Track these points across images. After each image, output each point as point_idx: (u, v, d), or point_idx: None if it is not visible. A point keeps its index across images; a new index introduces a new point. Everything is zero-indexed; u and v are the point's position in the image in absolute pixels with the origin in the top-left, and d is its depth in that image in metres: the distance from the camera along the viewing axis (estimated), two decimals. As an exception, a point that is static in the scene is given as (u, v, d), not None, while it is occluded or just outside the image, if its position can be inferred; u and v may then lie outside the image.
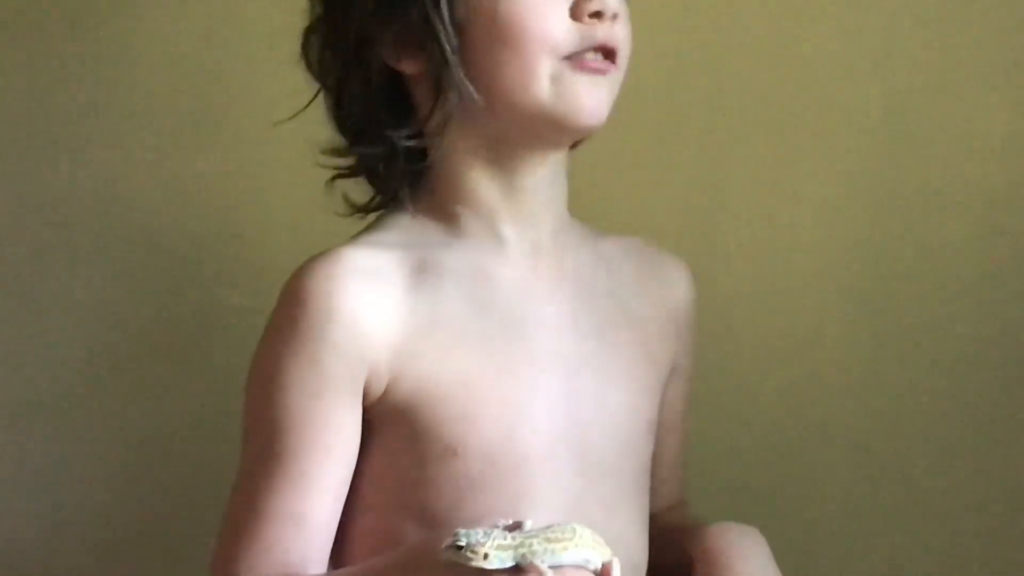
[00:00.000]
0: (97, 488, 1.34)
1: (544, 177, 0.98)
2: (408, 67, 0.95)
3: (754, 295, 1.37)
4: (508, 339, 0.96)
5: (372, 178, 1.00)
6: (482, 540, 0.81)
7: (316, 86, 1.00)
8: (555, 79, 0.93)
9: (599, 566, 0.85)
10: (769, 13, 1.34)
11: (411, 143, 0.97)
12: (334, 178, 1.00)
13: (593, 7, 0.92)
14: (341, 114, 0.99)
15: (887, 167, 1.36)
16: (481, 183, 0.97)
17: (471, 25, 0.93)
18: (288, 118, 1.01)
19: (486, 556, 0.81)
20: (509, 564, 0.82)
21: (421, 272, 0.95)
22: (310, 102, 1.01)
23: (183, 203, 1.33)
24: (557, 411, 0.96)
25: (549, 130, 0.95)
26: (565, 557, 0.83)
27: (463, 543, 0.81)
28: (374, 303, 0.92)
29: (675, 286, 1.07)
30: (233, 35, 1.32)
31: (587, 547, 0.85)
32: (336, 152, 0.99)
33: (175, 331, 1.34)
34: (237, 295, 1.30)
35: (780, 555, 1.31)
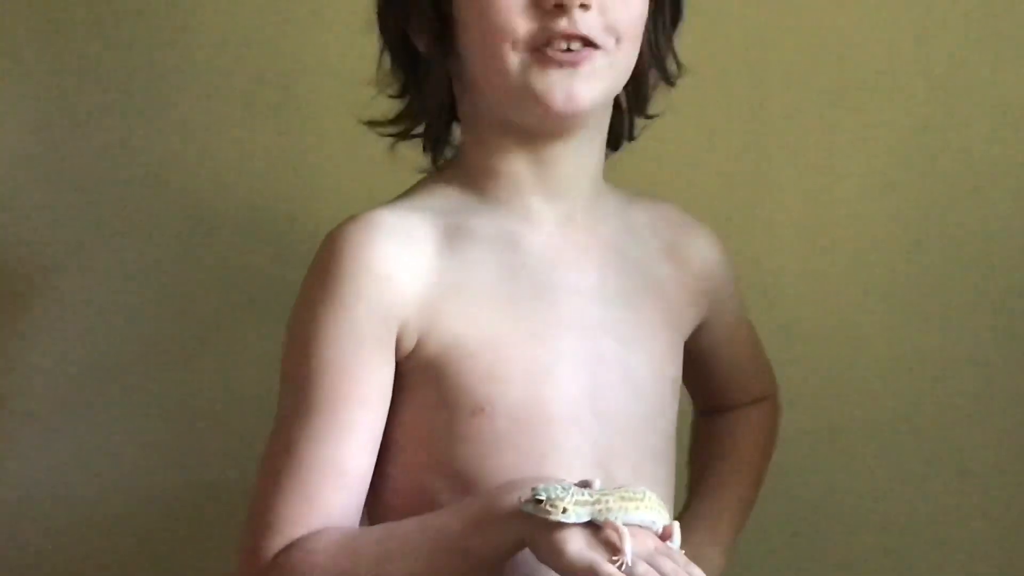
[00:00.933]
0: (153, 453, 1.37)
1: (568, 150, 0.99)
2: (419, 44, 0.99)
3: (797, 270, 1.38)
4: (535, 303, 0.98)
5: (423, 140, 1.04)
6: (561, 495, 0.84)
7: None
8: (522, 73, 0.94)
9: (660, 529, 0.88)
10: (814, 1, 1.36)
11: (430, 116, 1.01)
12: (395, 140, 1.03)
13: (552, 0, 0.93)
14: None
15: (930, 143, 1.36)
16: (506, 156, 0.99)
17: (459, 15, 0.96)
18: (383, 128, 1.04)
19: (565, 510, 0.84)
20: (585, 519, 0.85)
21: (452, 236, 0.98)
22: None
23: (238, 182, 1.36)
24: (582, 374, 0.98)
25: (528, 117, 0.97)
26: (635, 517, 0.86)
27: (543, 497, 0.84)
28: (405, 261, 0.95)
29: (702, 251, 1.09)
30: (292, 13, 1.34)
31: (654, 510, 0.88)
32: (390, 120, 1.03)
33: (230, 306, 1.36)
34: (291, 272, 1.30)
35: (819, 535, 1.36)
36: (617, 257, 1.03)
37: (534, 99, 0.94)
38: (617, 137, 1.05)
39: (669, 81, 1.04)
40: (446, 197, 1.00)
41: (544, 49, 0.93)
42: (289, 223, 1.34)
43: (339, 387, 0.94)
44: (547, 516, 0.84)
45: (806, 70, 1.36)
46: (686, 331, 1.08)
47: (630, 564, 0.84)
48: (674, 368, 1.05)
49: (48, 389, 1.36)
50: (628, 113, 1.05)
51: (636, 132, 1.06)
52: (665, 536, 0.89)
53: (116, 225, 1.35)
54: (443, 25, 0.97)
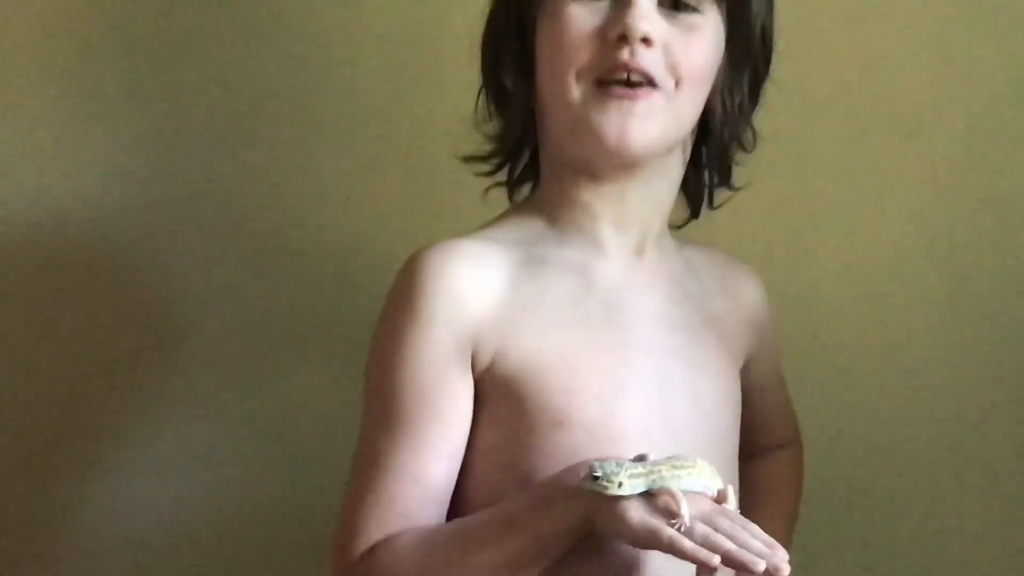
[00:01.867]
0: (227, 473, 1.40)
1: (635, 185, 1.03)
2: (507, 81, 1.04)
3: (843, 302, 1.40)
4: (607, 325, 1.03)
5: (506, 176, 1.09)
6: (616, 470, 0.88)
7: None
8: (584, 101, 0.98)
9: (715, 493, 0.93)
10: (857, 28, 1.38)
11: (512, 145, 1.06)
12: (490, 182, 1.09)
13: (617, 31, 0.96)
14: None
15: (971, 177, 1.39)
16: (578, 188, 1.03)
17: (539, 51, 1.01)
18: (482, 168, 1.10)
19: (621, 484, 0.88)
20: (641, 490, 0.89)
21: (526, 263, 1.02)
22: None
23: (313, 211, 1.39)
24: (652, 393, 1.02)
25: (584, 151, 1.01)
26: (688, 483, 0.91)
27: (599, 474, 0.88)
28: (480, 283, 1.00)
29: (749, 290, 1.14)
30: (356, 43, 1.38)
31: (706, 475, 0.92)
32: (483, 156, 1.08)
33: (303, 327, 1.40)
34: (362, 296, 1.35)
35: (866, 548, 1.37)
36: (680, 290, 1.08)
37: (590, 132, 0.98)
38: (697, 203, 1.10)
39: (744, 148, 1.08)
40: (522, 228, 1.05)
41: (606, 82, 0.97)
42: (357, 254, 1.39)
43: (419, 401, 0.98)
44: (605, 491, 0.88)
45: (850, 107, 1.39)
46: (739, 362, 1.12)
47: (688, 525, 0.88)
48: (735, 392, 1.09)
49: (143, 404, 1.40)
50: (709, 182, 1.09)
51: (717, 202, 1.10)
52: (720, 500, 0.93)
53: (200, 251, 1.39)
54: (526, 61, 1.02)
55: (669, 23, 0.98)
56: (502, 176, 1.09)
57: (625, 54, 0.97)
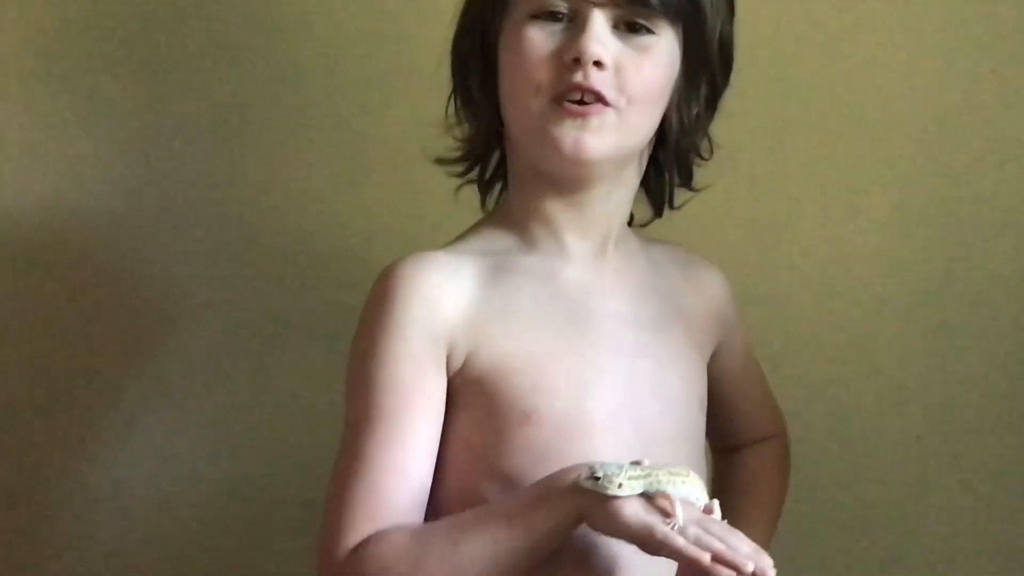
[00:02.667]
0: (214, 461, 1.42)
1: (596, 195, 1.08)
2: (473, 89, 1.09)
3: (817, 302, 1.43)
4: (574, 326, 1.07)
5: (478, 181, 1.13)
6: (616, 471, 0.92)
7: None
8: (541, 116, 1.03)
9: (702, 506, 0.96)
10: (831, 35, 1.41)
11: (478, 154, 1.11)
12: (460, 180, 1.13)
13: (571, 55, 1.01)
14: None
15: (942, 178, 1.42)
16: (542, 200, 1.08)
17: (501, 67, 1.06)
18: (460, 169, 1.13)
19: (620, 485, 0.91)
20: (638, 491, 0.92)
21: (495, 271, 1.07)
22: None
23: (302, 217, 1.42)
24: (619, 389, 1.06)
25: (545, 161, 1.05)
26: (681, 490, 0.94)
27: (600, 474, 0.91)
28: (451, 291, 1.04)
29: (712, 283, 1.18)
30: (349, 51, 1.40)
31: (697, 487, 0.96)
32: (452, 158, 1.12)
33: (293, 327, 1.42)
34: (349, 296, 1.33)
35: (834, 539, 1.39)
36: (646, 288, 1.12)
37: (549, 143, 1.03)
38: (659, 203, 1.14)
39: (701, 156, 1.12)
40: (490, 239, 1.10)
41: (561, 99, 1.02)
42: (349, 257, 1.41)
43: (398, 398, 1.01)
44: (604, 491, 0.91)
45: (824, 112, 1.41)
46: (707, 355, 1.16)
47: (682, 526, 0.91)
48: (701, 387, 1.13)
49: (139, 394, 1.42)
50: (669, 183, 1.13)
51: (677, 203, 1.14)
52: (707, 512, 0.96)
53: (178, 248, 1.41)
54: (490, 73, 1.07)
55: (623, 43, 1.02)
56: (474, 175, 1.14)
57: (579, 76, 1.01)
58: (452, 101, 1.11)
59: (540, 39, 1.02)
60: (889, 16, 1.41)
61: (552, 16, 1.03)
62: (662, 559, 0.93)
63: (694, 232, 1.33)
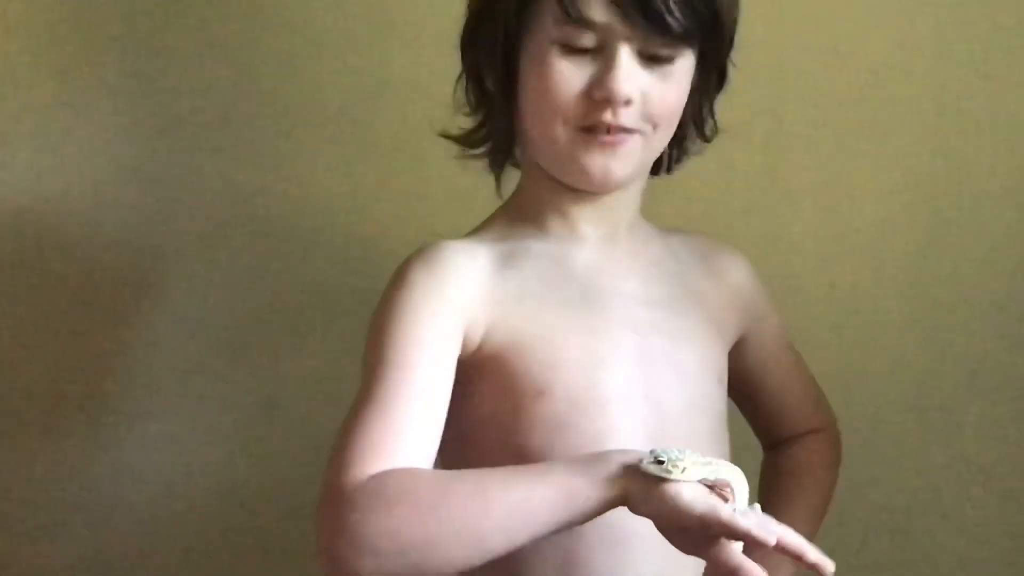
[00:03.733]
0: (221, 446, 1.43)
1: (616, 193, 1.09)
2: (487, 81, 1.09)
3: (816, 286, 1.44)
4: (587, 305, 1.08)
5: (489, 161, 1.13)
6: (680, 456, 0.91)
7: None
8: (569, 145, 1.05)
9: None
10: (830, 17, 1.42)
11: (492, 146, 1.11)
12: (468, 156, 1.13)
13: (602, 94, 1.02)
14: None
15: (940, 158, 1.43)
16: (556, 195, 1.10)
17: (524, 77, 1.06)
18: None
19: (684, 470, 0.91)
20: (698, 478, 0.91)
21: (509, 256, 1.09)
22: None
23: (304, 202, 1.43)
24: (632, 364, 1.07)
25: (569, 180, 1.07)
26: (739, 485, 0.93)
27: (664, 459, 0.91)
28: (470, 274, 1.06)
29: (734, 270, 1.19)
30: (350, 42, 1.41)
31: (746, 485, 0.94)
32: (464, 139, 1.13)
33: (296, 308, 1.43)
34: (350, 277, 1.40)
35: (838, 527, 1.35)
36: (659, 270, 1.13)
37: (577, 170, 1.06)
38: (656, 168, 1.14)
39: (705, 140, 1.13)
40: (504, 230, 1.11)
41: (590, 131, 1.04)
42: (350, 240, 1.42)
43: (415, 352, 1.01)
44: (668, 475, 0.90)
45: (823, 93, 1.42)
46: (728, 338, 1.16)
47: (742, 511, 0.90)
48: (719, 364, 1.13)
49: (143, 388, 1.43)
50: (668, 159, 1.14)
51: (673, 169, 1.16)
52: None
53: (189, 237, 1.42)
54: (509, 76, 1.07)
55: (648, 72, 1.03)
56: (486, 161, 1.14)
57: (608, 115, 1.03)
58: (463, 88, 1.11)
59: (569, 72, 1.02)
60: (885, 1, 1.42)
61: (580, 49, 1.02)
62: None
63: (693, 215, 1.37)
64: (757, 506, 0.94)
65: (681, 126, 1.10)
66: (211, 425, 1.43)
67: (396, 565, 0.92)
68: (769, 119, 1.42)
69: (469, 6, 1.10)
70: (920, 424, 1.44)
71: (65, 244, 1.41)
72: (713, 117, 1.13)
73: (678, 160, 1.14)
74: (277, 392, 1.43)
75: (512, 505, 0.93)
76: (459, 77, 1.11)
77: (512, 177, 1.15)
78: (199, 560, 1.43)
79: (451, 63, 1.11)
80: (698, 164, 1.16)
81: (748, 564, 0.89)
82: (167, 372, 1.43)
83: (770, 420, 1.23)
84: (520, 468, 0.97)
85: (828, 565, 0.89)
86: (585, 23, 1.01)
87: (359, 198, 1.42)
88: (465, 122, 1.12)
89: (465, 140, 1.13)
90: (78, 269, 1.41)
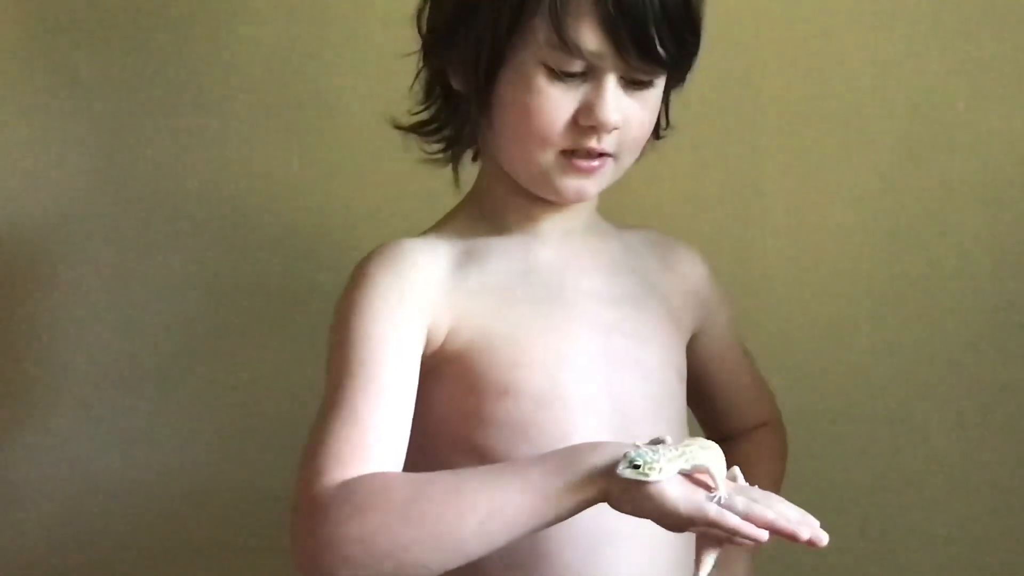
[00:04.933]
0: (194, 443, 1.43)
1: None
2: (456, 84, 1.07)
3: (789, 282, 1.44)
4: (550, 303, 1.08)
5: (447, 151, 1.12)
6: (654, 457, 0.88)
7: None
8: (548, 167, 1.04)
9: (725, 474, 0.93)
10: (801, 15, 1.41)
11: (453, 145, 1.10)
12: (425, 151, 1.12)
13: (589, 122, 1.02)
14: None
15: (911, 160, 1.42)
16: (517, 195, 1.09)
17: (502, 98, 1.04)
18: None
19: (661, 470, 0.88)
20: (676, 471, 0.90)
21: (470, 252, 1.08)
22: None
23: (277, 196, 1.42)
24: (596, 363, 1.07)
25: (539, 193, 1.07)
26: (715, 462, 0.91)
27: (639, 463, 0.88)
28: (432, 271, 1.06)
29: (689, 264, 1.19)
30: (328, 39, 1.41)
31: (721, 455, 0.93)
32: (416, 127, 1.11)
33: (268, 304, 1.43)
34: (323, 274, 1.40)
35: (806, 493, 1.34)
36: (620, 267, 1.13)
37: (550, 187, 1.06)
38: None
39: (657, 136, 1.12)
40: (464, 226, 1.11)
41: (571, 157, 1.04)
42: (320, 236, 1.42)
43: (379, 351, 1.01)
44: (647, 479, 0.88)
45: (796, 93, 1.42)
46: (685, 334, 1.17)
47: (727, 498, 0.89)
48: (679, 360, 1.14)
49: (96, 384, 1.43)
50: None
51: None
52: (731, 479, 0.93)
53: (163, 233, 1.42)
54: (487, 83, 1.04)
55: (629, 98, 1.04)
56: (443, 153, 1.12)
57: (593, 142, 1.03)
58: (420, 78, 1.10)
59: (556, 98, 1.02)
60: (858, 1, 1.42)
61: (567, 74, 1.01)
62: (648, 529, 0.92)
63: (663, 213, 1.38)
64: (737, 472, 0.94)
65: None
66: (162, 423, 1.43)
67: (371, 572, 0.92)
68: (740, 121, 1.43)
69: (441, 2, 1.07)
70: (888, 423, 1.45)
71: (32, 232, 1.41)
72: (667, 114, 1.13)
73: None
74: (246, 386, 1.43)
75: (488, 510, 0.92)
76: (419, 68, 1.10)
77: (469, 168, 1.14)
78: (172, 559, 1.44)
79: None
80: (667, 164, 1.17)
81: (746, 527, 0.88)
82: (132, 366, 1.43)
83: (719, 414, 1.23)
84: (494, 469, 0.96)
85: (822, 539, 0.89)
86: (578, 51, 1.00)
87: (340, 196, 1.43)
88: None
89: (421, 131, 1.11)
90: (46, 255, 1.42)
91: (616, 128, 1.03)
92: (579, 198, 1.07)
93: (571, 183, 1.05)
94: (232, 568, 1.44)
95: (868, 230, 1.44)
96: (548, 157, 1.04)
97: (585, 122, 1.02)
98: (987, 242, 1.42)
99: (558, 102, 1.02)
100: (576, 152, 1.04)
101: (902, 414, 1.45)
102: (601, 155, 1.04)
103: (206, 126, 1.42)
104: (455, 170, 1.12)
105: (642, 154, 1.12)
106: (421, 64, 1.10)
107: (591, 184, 1.06)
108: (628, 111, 1.03)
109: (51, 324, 1.42)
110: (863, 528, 1.45)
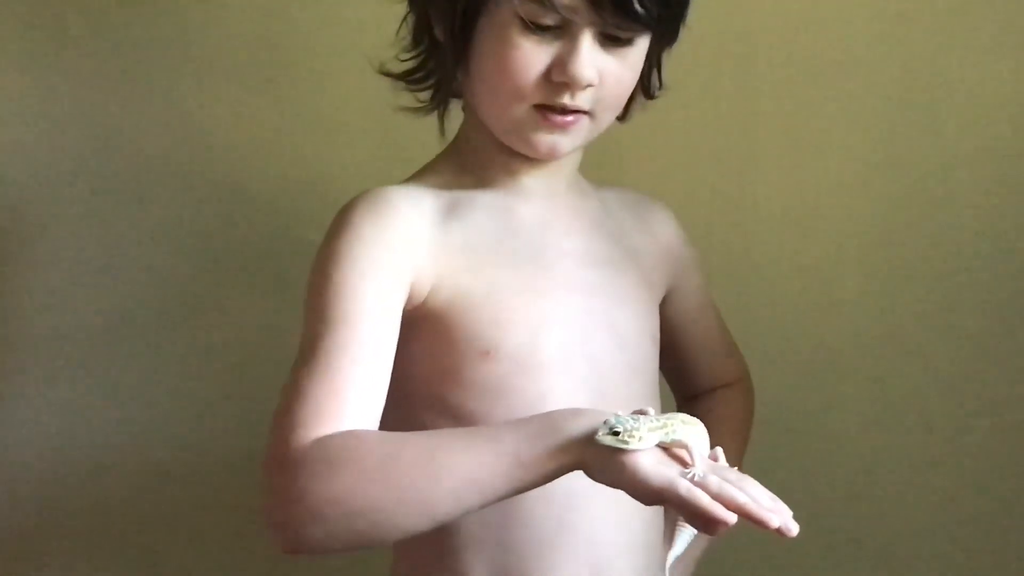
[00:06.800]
0: (183, 394, 1.43)
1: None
2: (438, 33, 1.07)
3: (781, 241, 1.44)
4: (532, 262, 1.07)
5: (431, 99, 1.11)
6: (635, 425, 0.88)
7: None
8: (521, 120, 1.04)
9: (707, 452, 0.93)
10: None
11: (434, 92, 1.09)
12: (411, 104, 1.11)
13: (562, 78, 1.01)
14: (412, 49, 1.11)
15: (904, 128, 1.43)
16: (500, 148, 1.08)
17: (478, 49, 1.03)
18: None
19: (641, 439, 0.87)
20: (656, 443, 0.89)
21: (454, 207, 1.07)
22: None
23: (264, 151, 1.42)
24: (575, 325, 1.07)
25: (513, 146, 1.07)
26: (696, 438, 0.90)
27: (619, 429, 0.87)
28: (417, 223, 1.04)
29: (663, 224, 1.19)
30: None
31: (705, 435, 0.92)
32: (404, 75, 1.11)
33: (256, 260, 1.43)
34: (311, 231, 1.33)
35: (797, 475, 1.40)
36: (599, 228, 1.13)
37: (523, 141, 1.05)
38: None
39: (649, 96, 1.12)
40: (447, 177, 1.10)
41: (545, 111, 1.03)
42: (310, 194, 1.42)
43: (360, 304, 0.99)
44: (626, 446, 0.87)
45: (790, 60, 1.42)
46: (658, 295, 1.17)
47: (701, 476, 0.87)
48: (653, 324, 1.14)
49: (66, 348, 1.43)
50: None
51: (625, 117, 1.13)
52: (713, 459, 0.92)
53: (133, 193, 1.42)
54: (464, 33, 1.04)
55: (606, 54, 1.02)
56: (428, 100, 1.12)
57: (566, 98, 1.03)
58: (407, 25, 1.10)
59: (530, 52, 1.01)
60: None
61: (542, 26, 1.01)
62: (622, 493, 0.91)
63: (660, 173, 1.38)
64: (720, 452, 0.93)
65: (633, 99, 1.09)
66: (140, 383, 1.43)
67: (343, 532, 0.91)
68: (735, 96, 1.43)
69: None
70: (876, 369, 1.45)
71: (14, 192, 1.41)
72: (660, 74, 1.11)
73: (622, 119, 1.12)
74: (232, 339, 1.44)
75: (462, 474, 0.91)
76: (405, 15, 1.10)
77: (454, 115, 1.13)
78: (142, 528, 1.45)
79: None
80: (661, 133, 1.17)
81: (714, 508, 0.86)
82: (120, 320, 1.43)
83: (688, 373, 1.23)
84: (470, 433, 0.95)
85: (792, 529, 0.87)
86: (551, 3, 0.99)
87: (328, 150, 1.42)
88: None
89: (406, 79, 1.11)
90: (36, 216, 1.41)
91: (590, 85, 1.02)
92: (552, 154, 1.06)
93: (544, 138, 1.04)
94: (220, 528, 1.44)
95: (861, 208, 1.44)
96: (521, 110, 1.03)
97: (558, 78, 1.01)
98: (979, 221, 1.43)
99: (531, 55, 1.01)
100: (551, 107, 1.03)
101: (891, 372, 1.45)
102: (576, 112, 1.03)
103: (196, 85, 1.42)
104: (441, 120, 1.11)
105: (630, 113, 1.11)
106: (407, 10, 1.10)
107: (565, 140, 1.05)
108: (605, 68, 1.02)
109: (43, 283, 1.43)
110: (847, 504, 1.46)
